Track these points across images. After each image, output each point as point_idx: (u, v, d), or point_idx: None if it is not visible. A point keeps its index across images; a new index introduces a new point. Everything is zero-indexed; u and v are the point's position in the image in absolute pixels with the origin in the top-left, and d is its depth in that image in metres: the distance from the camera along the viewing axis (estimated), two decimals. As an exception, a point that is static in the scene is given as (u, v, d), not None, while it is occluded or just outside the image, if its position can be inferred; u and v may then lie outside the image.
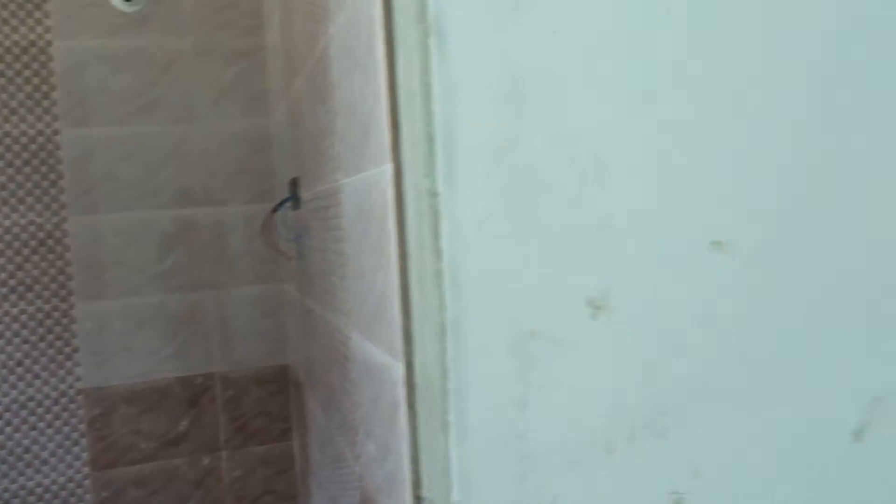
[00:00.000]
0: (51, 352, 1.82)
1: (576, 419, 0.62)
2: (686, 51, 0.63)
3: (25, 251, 1.79)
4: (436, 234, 0.58)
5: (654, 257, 0.63)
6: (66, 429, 1.84)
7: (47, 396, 1.82)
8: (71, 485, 1.84)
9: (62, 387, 1.83)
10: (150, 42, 1.85)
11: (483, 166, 0.58)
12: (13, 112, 1.77)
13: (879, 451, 0.71)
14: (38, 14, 1.77)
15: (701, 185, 0.64)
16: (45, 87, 1.79)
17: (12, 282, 1.79)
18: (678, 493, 0.65)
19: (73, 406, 1.84)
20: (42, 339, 1.81)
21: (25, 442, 1.81)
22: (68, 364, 1.83)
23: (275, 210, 1.69)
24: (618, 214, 0.62)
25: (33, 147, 1.79)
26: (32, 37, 1.77)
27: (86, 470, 1.85)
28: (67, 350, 1.83)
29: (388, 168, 0.67)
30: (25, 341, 1.80)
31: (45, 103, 1.79)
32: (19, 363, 1.80)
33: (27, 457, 1.82)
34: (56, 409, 1.83)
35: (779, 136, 0.66)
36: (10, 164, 1.77)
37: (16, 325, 1.79)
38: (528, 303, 0.60)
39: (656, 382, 0.64)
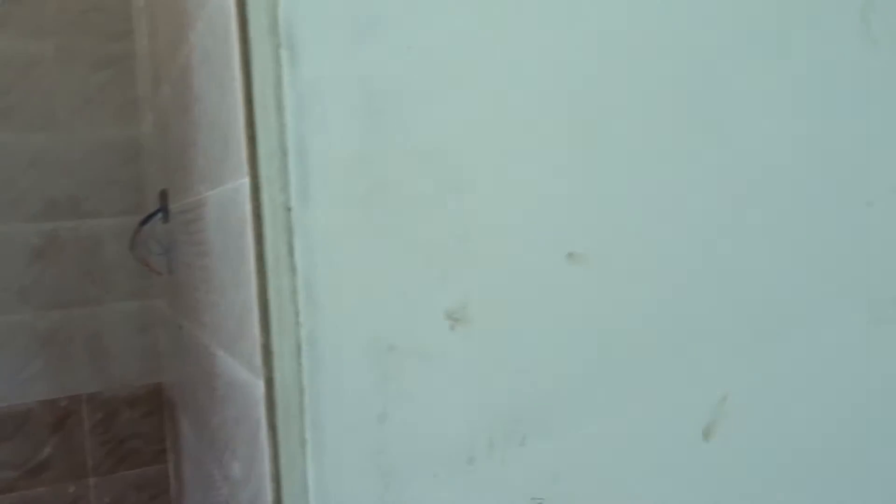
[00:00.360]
0: None
1: (437, 431, 0.62)
2: (544, 66, 0.65)
3: None
4: (290, 250, 0.57)
5: (512, 269, 0.65)
6: (-88, 461, 1.69)
7: None
8: (-82, 522, 1.69)
9: None
10: (5, 44, 1.73)
11: (338, 180, 0.58)
12: None
13: (726, 448, 0.75)
14: None
15: (558, 197, 0.66)
16: None
17: None
18: (538, 498, 0.67)
19: (-81, 436, 1.70)
20: None
21: None
22: (-86, 391, 1.69)
23: (143, 223, 1.62)
24: (477, 227, 0.63)
25: None
26: None
27: (-65, 505, 1.71)
28: (-87, 376, 1.68)
29: (245, 182, 0.66)
30: None
31: None
32: None
33: None
34: None
35: (632, 150, 0.69)
36: None
37: None
38: (387, 316, 0.60)
39: (515, 392, 0.65)
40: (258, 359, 0.67)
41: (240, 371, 0.77)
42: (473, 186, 0.63)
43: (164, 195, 1.47)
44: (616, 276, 0.69)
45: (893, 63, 0.88)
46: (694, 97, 0.72)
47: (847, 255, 0.82)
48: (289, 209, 0.57)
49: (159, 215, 1.50)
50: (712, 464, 0.75)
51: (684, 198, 0.72)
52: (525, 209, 0.65)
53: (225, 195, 0.77)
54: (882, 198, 0.84)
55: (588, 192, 0.68)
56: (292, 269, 0.57)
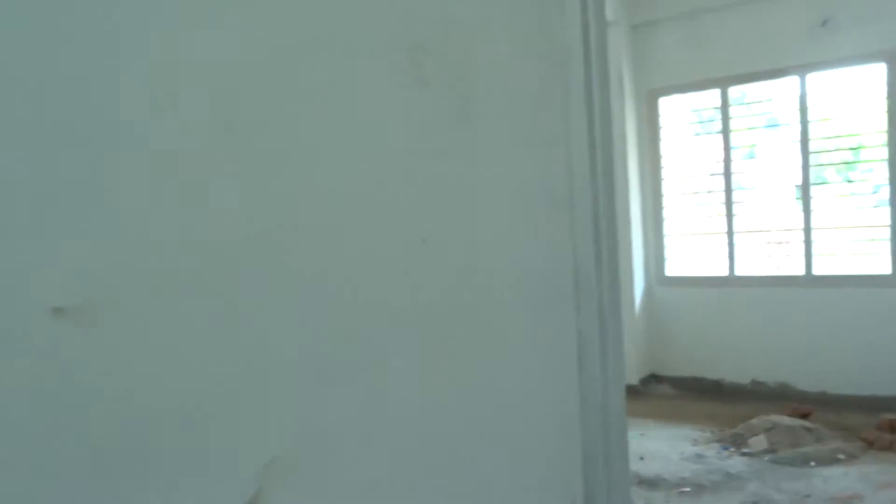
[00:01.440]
0: None
1: None
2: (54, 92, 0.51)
3: None
4: None
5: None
6: None
7: None
8: None
9: None
10: None
11: None
12: None
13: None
14: None
15: (37, 243, 0.53)
16: None
17: None
18: None
19: None
20: None
21: None
22: None
23: None
24: None
25: None
26: None
27: None
28: None
29: None
30: None
31: None
32: None
33: None
34: None
35: (154, 192, 0.58)
36: None
37: None
38: None
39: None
40: None
41: None
42: None
43: None
44: (126, 335, 0.57)
45: (443, 102, 0.90)
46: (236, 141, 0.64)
47: (403, 291, 0.81)
48: None
49: None
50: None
51: (220, 243, 0.63)
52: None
53: None
54: (433, 235, 0.85)
55: (88, 232, 0.55)
56: None
